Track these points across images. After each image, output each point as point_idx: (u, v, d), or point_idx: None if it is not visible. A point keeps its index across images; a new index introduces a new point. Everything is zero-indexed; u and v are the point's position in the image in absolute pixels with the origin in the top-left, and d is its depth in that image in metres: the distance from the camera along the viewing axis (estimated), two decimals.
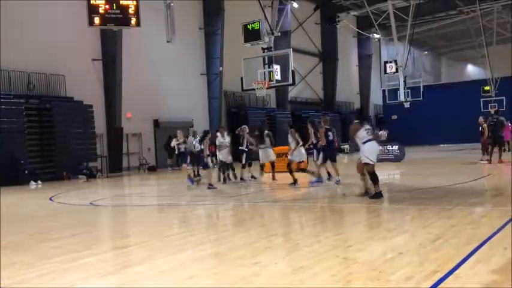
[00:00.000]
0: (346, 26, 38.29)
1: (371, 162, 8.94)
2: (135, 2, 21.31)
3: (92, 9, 20.81)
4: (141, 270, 4.89)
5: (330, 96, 40.34)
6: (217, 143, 14.24)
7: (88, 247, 6.09)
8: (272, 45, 17.74)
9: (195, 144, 13.60)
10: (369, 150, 9.01)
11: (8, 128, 18.92)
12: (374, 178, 8.97)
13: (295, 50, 27.43)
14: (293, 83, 18.71)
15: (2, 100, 19.11)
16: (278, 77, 17.31)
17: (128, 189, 15.89)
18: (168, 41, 20.38)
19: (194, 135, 13.82)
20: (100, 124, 23.11)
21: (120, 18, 21.31)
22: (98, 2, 20.86)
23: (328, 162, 12.55)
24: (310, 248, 5.39)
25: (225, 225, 7.79)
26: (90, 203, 11.22)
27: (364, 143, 9.01)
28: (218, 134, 14.38)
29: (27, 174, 18.74)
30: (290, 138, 12.31)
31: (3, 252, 6.16)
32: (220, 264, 5.02)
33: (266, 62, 17.42)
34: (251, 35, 17.71)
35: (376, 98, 46.30)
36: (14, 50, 19.76)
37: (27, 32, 20.48)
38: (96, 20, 21.10)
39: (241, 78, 18.11)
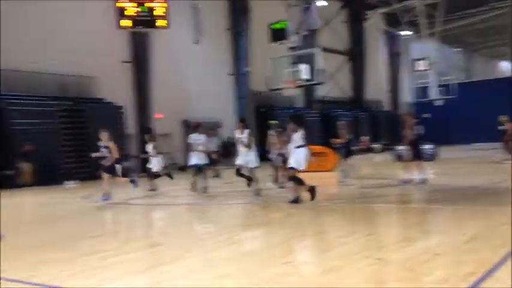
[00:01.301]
0: (374, 23, 37.81)
1: (299, 168, 8.85)
2: (164, 4, 21.59)
3: (121, 12, 21.20)
4: (172, 269, 4.94)
5: (359, 94, 39.93)
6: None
7: (121, 245, 6.19)
8: (299, 44, 17.68)
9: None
10: (300, 156, 8.88)
11: (43, 129, 19.40)
12: (297, 182, 8.92)
13: (323, 49, 27.22)
14: (321, 82, 18.58)
15: (37, 102, 19.69)
16: (305, 76, 17.23)
17: (161, 188, 16.07)
18: (195, 42, 20.60)
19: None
20: (130, 125, 23.48)
21: (148, 20, 21.65)
22: (126, 5, 21.23)
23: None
24: (341, 248, 5.35)
25: (255, 225, 7.80)
26: (124, 202, 11.40)
27: (298, 147, 8.94)
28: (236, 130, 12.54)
29: (62, 174, 19.20)
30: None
31: (40, 249, 6.33)
32: (251, 263, 5.03)
33: (293, 61, 17.38)
34: (277, 34, 17.70)
35: (405, 96, 45.54)
36: (47, 53, 20.28)
37: (60, 36, 20.96)
38: (126, 22, 21.49)
39: (268, 78, 18.12)
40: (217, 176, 17.20)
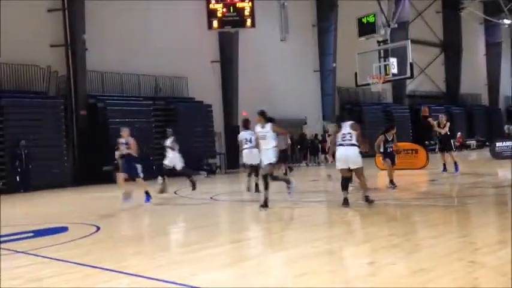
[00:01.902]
0: (472, 12, 35.49)
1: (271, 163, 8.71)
2: (250, 4, 21.98)
3: (211, 13, 21.91)
4: (254, 264, 5.00)
5: (453, 88, 37.72)
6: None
7: (206, 240, 6.38)
8: (388, 37, 17.12)
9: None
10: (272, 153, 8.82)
11: (138, 127, 20.59)
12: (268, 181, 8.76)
13: (414, 41, 26.11)
14: (411, 76, 17.88)
15: (133, 102, 20.96)
16: (395, 70, 16.68)
17: (244, 185, 16.36)
18: (282, 40, 20.71)
19: None
20: (218, 123, 24.15)
21: (236, 20, 22.16)
22: (216, 6, 21.89)
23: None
24: (431, 250, 5.09)
25: (337, 223, 7.66)
26: (211, 198, 11.75)
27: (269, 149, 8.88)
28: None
29: (155, 170, 20.23)
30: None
31: (128, 242, 6.71)
32: (333, 263, 4.95)
33: (382, 55, 16.87)
34: (366, 28, 17.28)
35: (507, 89, 42.31)
36: (142, 56, 21.49)
37: (153, 39, 22.10)
38: (215, 23, 22.18)
39: (356, 74, 17.75)
40: (286, 173, 17.31)
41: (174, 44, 22.64)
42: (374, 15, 17.04)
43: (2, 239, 7.22)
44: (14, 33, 17.98)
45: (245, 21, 22.03)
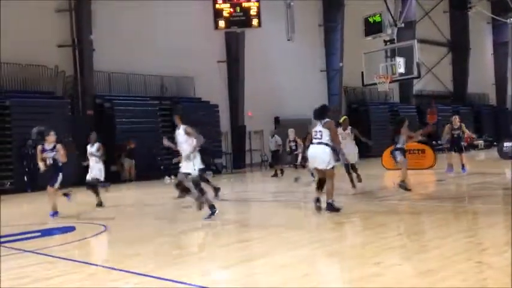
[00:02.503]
0: (479, 12, 35.25)
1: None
2: (256, 4, 21.96)
3: (217, 13, 21.92)
4: (260, 264, 5.00)
5: (461, 88, 37.50)
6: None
7: (215, 239, 6.38)
8: (395, 37, 17.03)
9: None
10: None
11: (145, 127, 20.64)
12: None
13: (421, 41, 26.02)
14: (418, 76, 17.78)
15: (139, 102, 21.02)
16: (401, 70, 16.58)
17: (251, 185, 16.39)
18: (288, 39, 20.66)
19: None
20: (224, 123, 24.17)
21: (242, 20, 22.15)
22: (222, 6, 21.90)
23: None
24: (438, 250, 5.06)
25: (344, 223, 7.64)
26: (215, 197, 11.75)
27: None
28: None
29: (163, 170, 20.30)
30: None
31: (135, 242, 6.73)
32: (339, 263, 4.94)
33: (388, 55, 16.79)
34: (372, 28, 17.20)
35: None
36: (148, 56, 21.54)
37: (160, 39, 22.14)
38: (221, 23, 22.18)
39: (362, 73, 17.67)
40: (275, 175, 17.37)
41: (181, 44, 22.67)
42: (380, 15, 16.97)
43: (10, 238, 7.27)
44: (22, 34, 18.09)
45: (251, 21, 22.02)
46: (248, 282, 4.39)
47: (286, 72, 26.89)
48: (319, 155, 7.81)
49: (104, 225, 7.95)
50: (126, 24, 21.03)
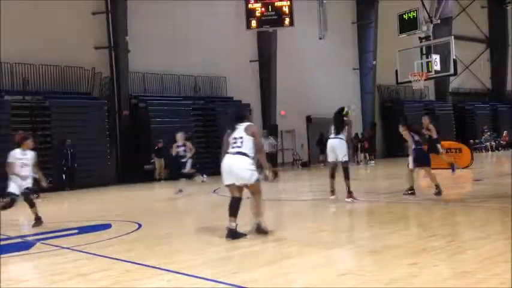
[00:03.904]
0: None
1: None
2: (288, 3, 21.91)
3: (250, 13, 21.98)
4: (295, 263, 4.99)
5: (499, 85, 36.40)
6: None
7: (248, 238, 6.39)
8: (431, 34, 16.68)
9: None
10: None
11: (178, 126, 20.88)
12: None
13: (457, 37, 25.33)
14: (455, 73, 17.35)
15: (173, 102, 21.32)
16: (437, 67, 16.24)
17: (283, 184, 16.36)
18: (320, 38, 20.53)
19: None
20: (256, 122, 24.22)
21: (275, 19, 22.13)
22: (255, 6, 21.95)
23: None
24: (475, 252, 4.94)
25: (379, 223, 7.53)
26: (247, 198, 11.78)
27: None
28: None
29: (196, 168, 20.49)
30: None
31: (169, 240, 6.83)
32: (375, 263, 4.87)
33: (424, 52, 16.46)
34: (407, 24, 16.90)
35: None
36: (182, 57, 21.83)
37: (193, 40, 22.41)
38: (253, 23, 22.23)
39: (396, 71, 17.40)
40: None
41: (213, 44, 22.87)
42: (416, 11, 16.66)
43: (49, 235, 7.52)
44: (60, 36, 18.65)
45: (284, 20, 21.98)
46: (282, 282, 4.39)
47: (318, 71, 26.73)
48: (239, 168, 6.16)
49: (138, 223, 8.11)
50: (160, 25, 21.38)
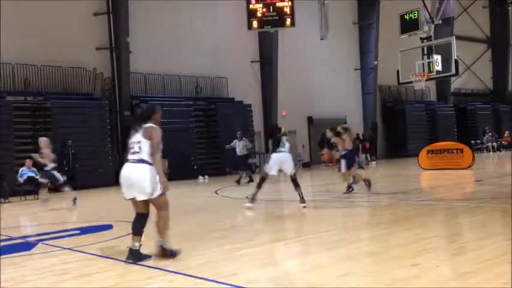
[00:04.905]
0: None
1: None
2: (289, 3, 21.90)
3: (251, 14, 21.98)
4: (297, 264, 4.99)
5: (501, 86, 36.37)
6: None
7: (248, 239, 6.41)
8: (432, 34, 16.69)
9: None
10: None
11: (179, 127, 20.92)
12: None
13: (459, 38, 25.33)
14: (456, 74, 17.35)
15: (174, 102, 21.32)
16: (439, 67, 16.25)
17: (283, 185, 16.34)
18: (322, 38, 20.53)
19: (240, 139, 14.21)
20: (258, 122, 24.23)
21: (276, 20, 22.13)
22: (256, 6, 21.95)
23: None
24: (477, 252, 4.93)
25: (380, 224, 7.53)
26: (246, 197, 11.79)
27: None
28: None
29: (196, 169, 20.53)
30: None
31: (175, 240, 6.82)
32: (376, 264, 4.87)
33: (425, 52, 16.47)
34: (409, 25, 16.92)
35: None
36: (183, 57, 21.84)
37: (194, 40, 22.41)
38: (255, 23, 22.23)
39: (398, 71, 17.41)
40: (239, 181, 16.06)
41: (215, 44, 22.87)
42: (417, 12, 16.67)
43: (50, 236, 7.52)
44: (62, 37, 18.67)
45: (285, 20, 21.97)
46: (282, 282, 4.39)
47: (319, 71, 26.73)
48: (137, 179, 5.16)
49: None
50: (161, 26, 21.39)
